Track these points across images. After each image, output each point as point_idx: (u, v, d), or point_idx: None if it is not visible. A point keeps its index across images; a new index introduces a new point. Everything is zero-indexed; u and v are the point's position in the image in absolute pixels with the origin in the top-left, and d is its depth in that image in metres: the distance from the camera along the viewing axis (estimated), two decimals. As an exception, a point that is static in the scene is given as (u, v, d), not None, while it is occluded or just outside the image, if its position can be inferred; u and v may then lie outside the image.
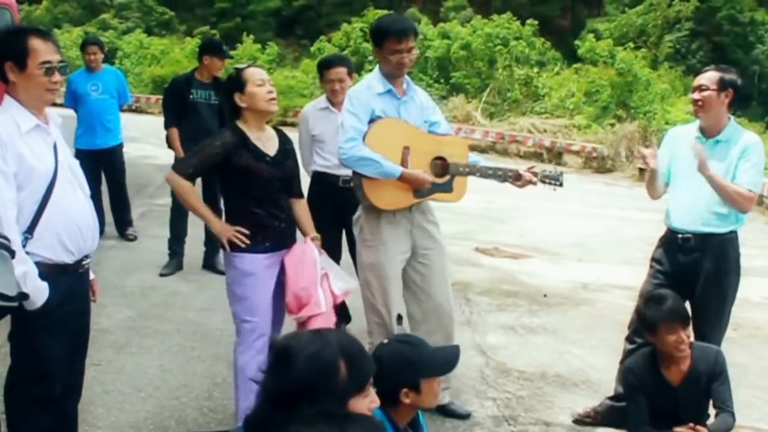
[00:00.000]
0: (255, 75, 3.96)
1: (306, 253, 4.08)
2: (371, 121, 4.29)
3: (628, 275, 7.21)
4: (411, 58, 4.33)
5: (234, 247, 3.94)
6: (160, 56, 27.97)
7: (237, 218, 3.96)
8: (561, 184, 4.58)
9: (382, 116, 4.32)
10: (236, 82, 3.98)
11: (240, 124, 3.99)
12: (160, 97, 19.65)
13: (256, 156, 3.93)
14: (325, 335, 2.16)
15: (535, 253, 8.94)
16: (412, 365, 2.82)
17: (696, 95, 4.28)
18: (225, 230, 3.94)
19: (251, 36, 29.54)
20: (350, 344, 2.16)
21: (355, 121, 4.24)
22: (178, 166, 4.06)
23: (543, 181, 4.54)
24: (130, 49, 27.81)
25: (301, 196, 4.28)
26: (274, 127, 4.23)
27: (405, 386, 2.79)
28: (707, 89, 4.22)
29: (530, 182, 4.45)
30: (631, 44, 24.59)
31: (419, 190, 4.33)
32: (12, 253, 2.89)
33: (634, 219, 10.95)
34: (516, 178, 4.45)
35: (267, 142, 4.04)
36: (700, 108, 4.27)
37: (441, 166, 4.39)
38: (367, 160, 4.19)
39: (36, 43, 3.14)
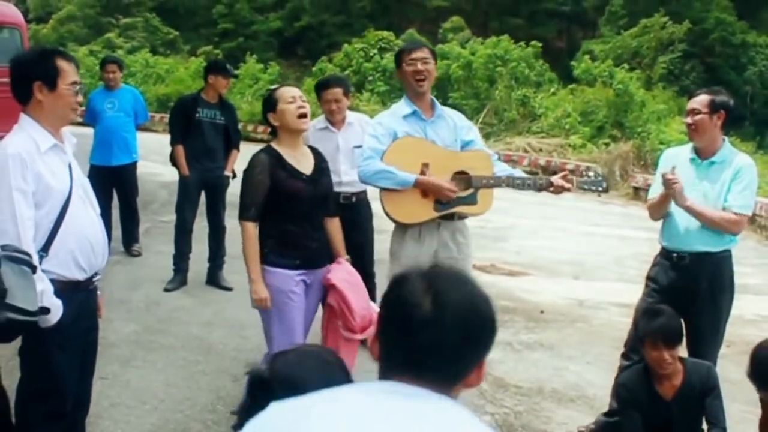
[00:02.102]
0: (286, 93, 4.01)
1: (351, 274, 4.15)
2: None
3: (624, 293, 7.20)
4: (427, 69, 4.40)
5: (264, 260, 3.96)
6: (165, 75, 28.10)
7: (270, 235, 3.99)
8: (606, 189, 4.54)
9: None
10: (269, 102, 4.02)
11: (274, 145, 4.02)
12: (165, 115, 19.74)
13: (292, 174, 3.97)
14: (321, 355, 2.07)
15: (531, 270, 8.94)
16: None
17: (689, 119, 4.32)
18: (261, 293, 3.94)
19: (254, 56, 29.65)
20: (344, 363, 2.10)
21: (374, 142, 4.33)
22: (242, 215, 4.02)
23: (583, 188, 4.49)
24: (135, 68, 27.87)
25: (335, 214, 4.30)
26: (309, 146, 4.25)
27: None
28: (699, 113, 4.26)
29: (564, 188, 4.36)
30: (626, 65, 24.70)
31: (441, 202, 4.31)
32: (33, 269, 2.91)
33: (628, 237, 10.99)
34: (548, 186, 4.39)
35: (302, 159, 4.07)
36: (694, 131, 4.31)
37: (464, 179, 4.35)
38: (382, 173, 4.24)
39: (63, 64, 3.19)
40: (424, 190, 4.27)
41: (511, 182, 4.39)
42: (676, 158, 4.49)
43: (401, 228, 4.43)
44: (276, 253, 3.97)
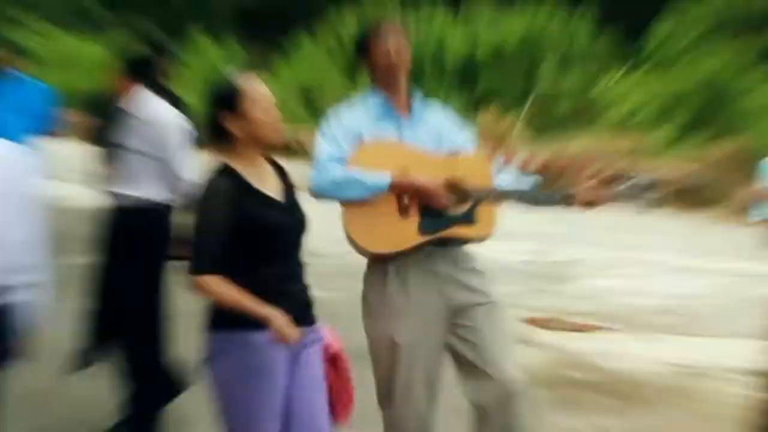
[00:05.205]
0: (259, 96, 3.84)
1: (339, 341, 4.16)
2: None
3: (749, 354, 6.79)
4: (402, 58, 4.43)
5: (234, 323, 3.75)
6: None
7: (240, 285, 3.74)
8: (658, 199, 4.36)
9: None
10: (227, 100, 3.81)
11: (230, 163, 3.84)
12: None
13: (263, 202, 3.84)
14: None
15: (609, 323, 8.97)
16: None
17: None
18: (277, 318, 3.76)
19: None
20: None
21: (331, 148, 4.31)
22: (196, 267, 3.80)
23: (629, 196, 4.38)
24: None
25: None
26: (266, 157, 4.06)
27: None
28: None
29: (595, 203, 4.34)
30: (726, 35, 24.48)
31: (428, 222, 4.22)
32: None
33: (749, 273, 10.75)
34: (571, 199, 4.38)
35: (267, 178, 3.95)
36: None
37: (458, 191, 4.26)
38: (343, 181, 4.21)
39: None
40: (403, 205, 4.22)
41: (522, 195, 4.46)
42: None
43: (378, 269, 4.35)
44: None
